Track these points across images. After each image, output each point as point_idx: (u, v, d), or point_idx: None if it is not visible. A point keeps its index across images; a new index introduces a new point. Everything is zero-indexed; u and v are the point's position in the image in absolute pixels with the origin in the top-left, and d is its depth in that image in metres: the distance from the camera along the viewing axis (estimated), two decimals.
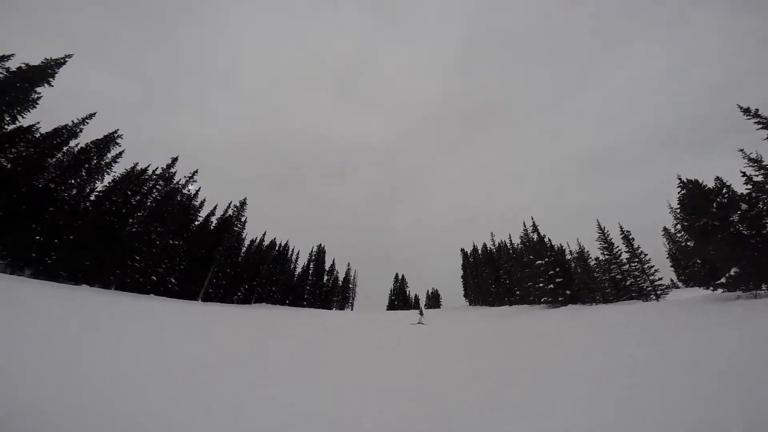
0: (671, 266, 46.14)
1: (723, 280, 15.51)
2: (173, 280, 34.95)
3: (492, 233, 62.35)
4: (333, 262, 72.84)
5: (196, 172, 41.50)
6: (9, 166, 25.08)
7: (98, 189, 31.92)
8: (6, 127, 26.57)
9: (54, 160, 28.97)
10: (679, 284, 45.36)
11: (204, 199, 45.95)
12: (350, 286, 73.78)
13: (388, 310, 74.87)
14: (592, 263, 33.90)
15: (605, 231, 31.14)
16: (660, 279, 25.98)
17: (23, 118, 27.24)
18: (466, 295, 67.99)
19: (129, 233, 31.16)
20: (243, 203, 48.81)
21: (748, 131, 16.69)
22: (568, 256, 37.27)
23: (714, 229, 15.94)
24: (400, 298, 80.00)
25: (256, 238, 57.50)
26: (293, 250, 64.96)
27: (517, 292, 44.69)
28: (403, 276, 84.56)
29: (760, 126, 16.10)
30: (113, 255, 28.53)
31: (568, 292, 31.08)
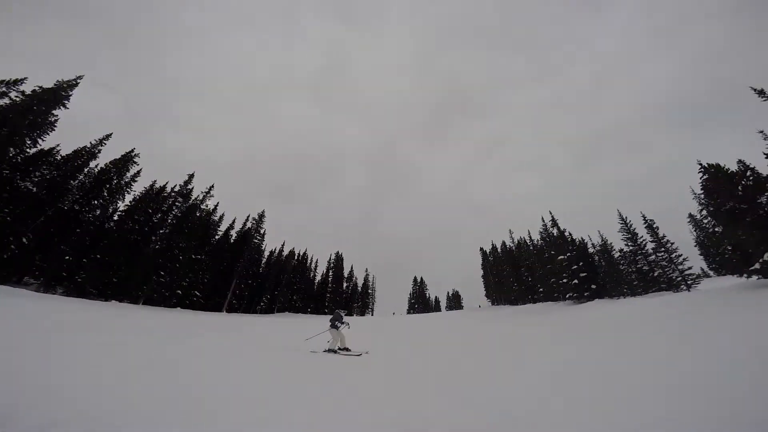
0: (700, 254, 44.04)
1: (757, 266, 14.83)
2: (197, 293, 35.98)
3: (510, 230, 61.80)
4: (351, 268, 73.30)
5: (212, 187, 42.77)
6: (35, 190, 26.43)
7: (120, 208, 33.39)
8: (28, 150, 27.76)
9: (76, 182, 30.41)
10: (711, 273, 43.35)
11: (223, 214, 47.28)
12: (369, 291, 73.99)
13: (408, 313, 74.61)
14: (616, 255, 32.89)
15: (627, 221, 30.25)
16: (689, 268, 25.03)
17: (43, 141, 27.84)
18: (488, 295, 67.03)
19: (153, 250, 32.34)
20: (261, 216, 49.77)
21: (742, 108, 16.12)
22: (591, 250, 36.28)
23: (742, 212, 15.30)
24: (419, 301, 79.61)
25: (275, 249, 58.60)
26: (311, 258, 65.80)
27: (541, 290, 43.73)
28: (422, 279, 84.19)
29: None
30: (139, 271, 29.65)
31: (593, 286, 30.27)
